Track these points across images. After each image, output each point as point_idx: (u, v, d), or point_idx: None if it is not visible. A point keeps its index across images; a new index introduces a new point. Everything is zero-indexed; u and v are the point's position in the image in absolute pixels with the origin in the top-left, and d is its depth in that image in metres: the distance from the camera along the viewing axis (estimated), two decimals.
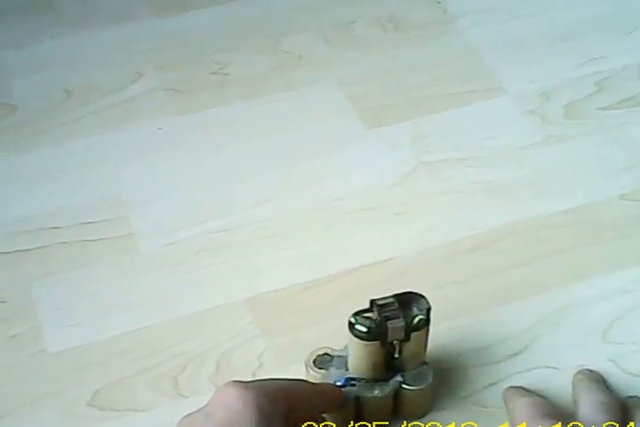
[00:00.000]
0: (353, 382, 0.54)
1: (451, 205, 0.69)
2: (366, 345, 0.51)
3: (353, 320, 0.51)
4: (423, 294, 0.52)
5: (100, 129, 0.74)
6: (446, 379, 0.59)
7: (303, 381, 0.53)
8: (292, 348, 0.61)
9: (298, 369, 0.57)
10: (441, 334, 0.58)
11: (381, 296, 0.52)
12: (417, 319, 0.51)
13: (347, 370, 0.54)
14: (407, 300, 0.52)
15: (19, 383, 0.60)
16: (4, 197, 0.70)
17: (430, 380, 0.54)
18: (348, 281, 0.64)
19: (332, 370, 0.54)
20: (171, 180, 0.71)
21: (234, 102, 0.76)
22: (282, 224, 0.68)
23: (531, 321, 0.62)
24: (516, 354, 0.60)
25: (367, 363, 0.53)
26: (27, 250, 0.67)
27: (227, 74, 0.78)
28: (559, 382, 0.58)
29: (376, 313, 0.51)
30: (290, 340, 0.62)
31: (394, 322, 0.51)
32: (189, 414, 0.47)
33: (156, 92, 0.77)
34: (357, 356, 0.53)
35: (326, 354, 0.55)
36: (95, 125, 0.75)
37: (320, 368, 0.55)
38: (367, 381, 0.54)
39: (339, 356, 0.55)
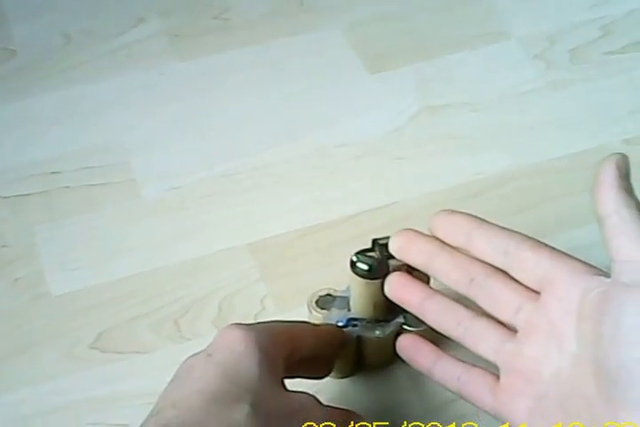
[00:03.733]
0: (354, 322, 0.54)
1: (454, 150, 0.68)
2: (367, 284, 0.51)
3: (355, 259, 0.51)
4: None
5: (101, 74, 0.74)
6: None
7: (305, 322, 0.53)
8: (294, 292, 0.61)
9: (300, 313, 0.57)
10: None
11: (384, 236, 0.51)
12: None
13: (348, 311, 0.54)
14: None
15: (21, 326, 0.60)
16: (6, 142, 0.70)
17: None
18: (351, 226, 0.64)
19: (334, 310, 0.54)
20: (173, 125, 0.71)
21: (235, 48, 0.75)
22: (284, 170, 0.68)
23: None
24: None
25: (368, 303, 0.53)
26: (29, 194, 0.67)
27: (228, 19, 0.77)
28: None
29: (378, 252, 0.51)
30: (292, 284, 0.62)
31: (395, 260, 0.50)
32: (191, 356, 0.47)
33: (157, 38, 0.76)
34: (359, 295, 0.53)
35: (328, 295, 0.55)
36: (96, 71, 0.74)
37: (322, 308, 0.55)
38: (368, 321, 0.54)
39: (341, 296, 0.55)
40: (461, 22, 0.76)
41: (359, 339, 0.54)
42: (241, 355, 0.45)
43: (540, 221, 0.64)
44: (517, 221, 0.63)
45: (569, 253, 0.60)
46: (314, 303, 0.55)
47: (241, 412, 0.43)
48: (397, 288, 0.51)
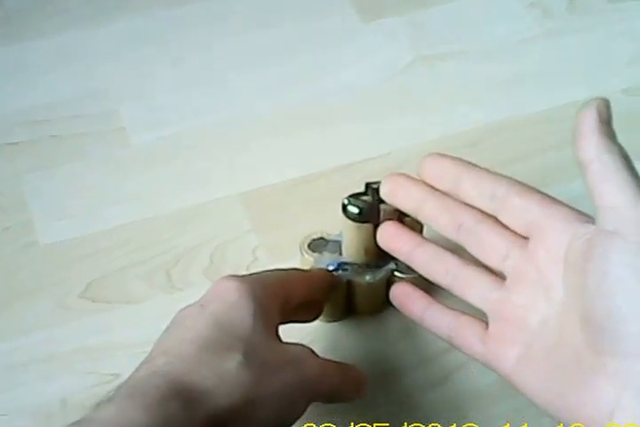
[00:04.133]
0: (345, 266, 0.54)
1: (449, 99, 0.67)
2: (358, 227, 0.51)
3: (346, 202, 0.50)
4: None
5: (91, 21, 0.72)
6: None
7: (296, 269, 0.52)
8: (286, 242, 0.60)
9: (292, 264, 0.57)
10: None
11: (377, 180, 0.51)
12: None
13: (340, 255, 0.54)
14: None
15: (10, 276, 0.60)
16: None
17: None
18: (344, 176, 0.64)
19: (326, 254, 0.54)
20: (162, 73, 0.70)
21: None
22: (276, 120, 0.67)
23: None
24: None
25: (359, 247, 0.52)
26: (17, 143, 0.66)
27: None
28: None
29: (370, 196, 0.50)
30: (284, 234, 0.61)
31: (386, 204, 0.50)
32: (185, 307, 0.46)
33: None
34: (350, 239, 0.52)
35: (321, 238, 0.55)
36: (86, 18, 0.73)
37: (314, 252, 0.54)
38: (359, 266, 0.54)
39: (334, 241, 0.54)
40: None
41: (350, 283, 0.54)
42: (234, 305, 0.45)
43: (533, 172, 0.63)
44: (510, 171, 0.62)
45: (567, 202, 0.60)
46: (306, 246, 0.55)
47: (233, 361, 0.42)
48: (387, 237, 0.51)
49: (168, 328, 0.45)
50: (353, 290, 0.55)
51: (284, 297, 0.48)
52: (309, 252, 0.55)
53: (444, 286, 0.49)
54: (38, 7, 0.73)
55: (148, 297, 0.59)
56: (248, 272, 0.49)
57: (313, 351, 0.47)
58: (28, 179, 0.64)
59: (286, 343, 0.46)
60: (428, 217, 0.48)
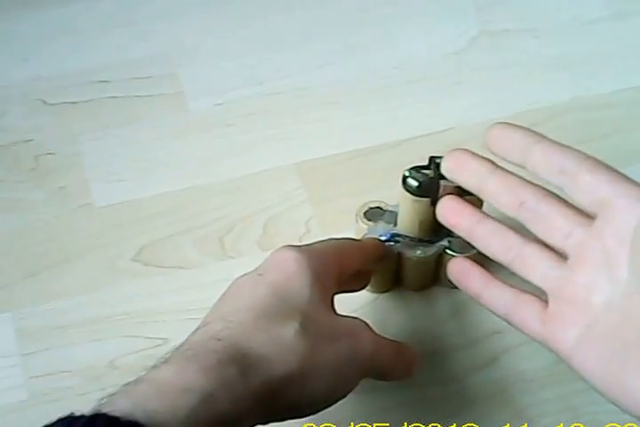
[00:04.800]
0: (397, 238, 0.53)
1: (512, 78, 0.66)
2: (415, 201, 0.50)
3: (406, 173, 0.49)
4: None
5: None
6: None
7: (350, 239, 0.52)
8: (340, 215, 0.60)
9: (345, 235, 0.56)
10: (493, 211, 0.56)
11: (442, 155, 0.50)
12: None
13: (394, 226, 0.53)
14: None
15: (64, 236, 0.60)
16: (54, 49, 0.68)
17: (476, 249, 0.53)
18: (402, 151, 0.63)
19: (381, 224, 0.54)
20: (225, 39, 0.69)
21: None
22: (336, 91, 0.66)
23: None
24: None
25: (414, 220, 0.52)
26: (75, 102, 0.65)
27: None
28: None
29: (432, 170, 0.49)
30: (338, 207, 0.61)
31: (447, 181, 0.49)
32: (242, 276, 0.46)
33: None
34: (406, 212, 0.52)
35: (378, 208, 0.54)
36: None
37: (369, 220, 0.54)
38: (412, 239, 0.53)
39: (390, 211, 0.54)
40: None
41: (400, 256, 0.54)
42: (293, 275, 0.45)
43: (598, 154, 0.62)
44: None
45: None
46: (362, 214, 0.54)
47: (290, 329, 0.42)
48: (448, 211, 0.50)
49: (224, 295, 0.45)
50: (402, 263, 0.55)
51: (340, 268, 0.48)
52: (364, 220, 0.54)
53: (504, 264, 0.48)
54: None
55: (200, 264, 0.59)
56: (301, 243, 0.48)
57: (368, 325, 0.47)
58: (83, 139, 0.64)
59: (342, 316, 0.46)
60: (490, 194, 0.47)
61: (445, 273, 0.54)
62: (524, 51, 0.67)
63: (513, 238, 0.48)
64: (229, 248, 0.59)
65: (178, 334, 0.44)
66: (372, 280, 0.55)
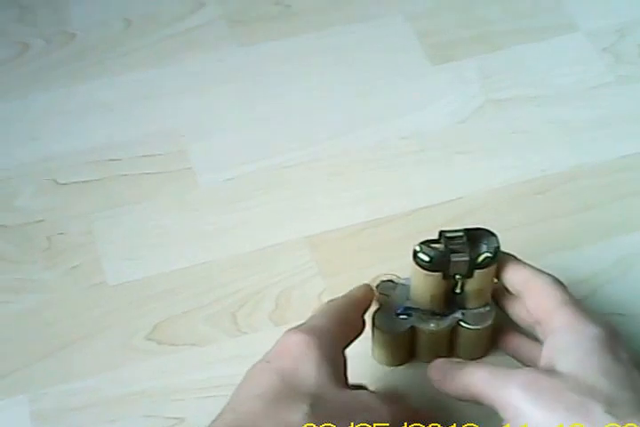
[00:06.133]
0: (410, 311, 0.53)
1: (519, 145, 0.67)
2: (427, 275, 0.50)
3: (417, 248, 0.50)
4: (495, 232, 0.51)
5: (160, 60, 0.73)
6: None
7: (343, 297, 0.53)
8: (352, 287, 0.60)
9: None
10: None
11: (452, 229, 0.50)
12: (482, 257, 0.50)
13: (408, 299, 0.53)
14: (478, 236, 0.50)
15: (78, 315, 0.60)
16: (63, 128, 0.69)
17: (490, 322, 0.53)
18: (411, 221, 0.63)
19: (393, 297, 0.54)
20: (231, 114, 0.70)
21: (296, 35, 0.74)
22: (345, 162, 0.67)
23: (598, 266, 0.60)
24: (582, 300, 0.58)
25: (426, 294, 0.52)
26: (86, 181, 0.66)
27: (289, 5, 0.76)
28: (627, 329, 0.57)
29: (442, 244, 0.50)
30: (350, 279, 0.60)
31: (458, 256, 0.49)
32: (255, 364, 0.47)
33: (217, 23, 0.75)
34: (418, 285, 0.52)
35: (390, 281, 0.55)
36: (155, 56, 0.73)
37: (381, 293, 0.54)
38: (424, 313, 0.53)
39: (402, 284, 0.54)
40: (528, 13, 0.74)
41: (413, 329, 0.54)
42: (299, 359, 0.45)
43: (608, 220, 0.62)
44: (583, 219, 0.63)
45: (636, 253, 0.59)
46: (375, 287, 0.54)
47: (299, 413, 0.43)
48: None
49: (239, 385, 0.46)
50: (416, 336, 0.55)
51: (346, 336, 0.49)
52: (377, 294, 0.54)
53: None
54: (108, 46, 0.74)
55: (213, 340, 0.59)
56: None
57: (380, 398, 0.47)
58: (95, 218, 0.64)
59: (354, 389, 0.47)
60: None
61: (461, 346, 0.55)
62: (529, 118, 0.68)
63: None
64: (242, 324, 0.59)
65: (193, 412, 0.44)
66: (387, 353, 0.55)
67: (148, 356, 0.58)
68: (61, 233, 0.64)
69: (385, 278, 0.55)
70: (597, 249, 0.61)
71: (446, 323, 0.53)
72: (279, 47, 0.73)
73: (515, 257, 0.51)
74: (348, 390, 0.46)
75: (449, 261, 0.50)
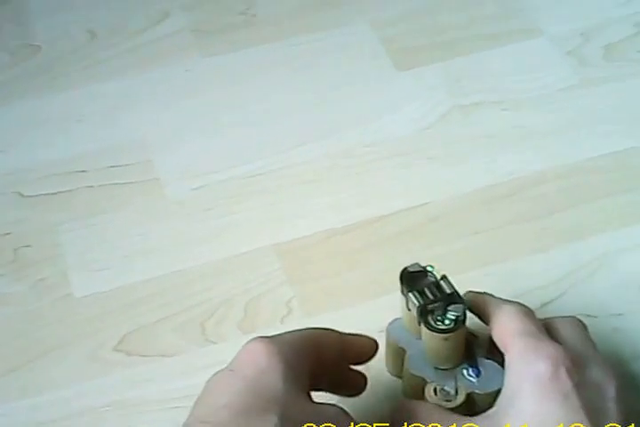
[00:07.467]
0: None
1: (485, 150, 0.67)
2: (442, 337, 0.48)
3: (439, 317, 0.47)
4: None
5: (126, 71, 0.73)
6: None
7: (330, 330, 0.51)
8: (321, 295, 0.60)
9: (326, 317, 0.57)
10: (475, 281, 0.56)
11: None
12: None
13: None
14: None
15: (45, 328, 0.60)
16: (29, 140, 0.69)
17: None
18: (379, 228, 0.63)
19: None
20: (198, 123, 0.70)
21: (261, 43, 0.74)
22: (311, 170, 0.67)
23: (566, 269, 0.60)
24: (550, 302, 0.59)
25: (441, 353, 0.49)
26: (52, 193, 0.66)
27: (254, 15, 0.76)
28: (595, 331, 0.57)
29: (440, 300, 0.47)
30: (318, 287, 0.60)
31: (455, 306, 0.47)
32: (216, 373, 0.46)
33: (182, 34, 0.75)
34: (431, 347, 0.49)
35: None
36: (120, 68, 0.73)
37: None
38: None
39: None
40: (492, 19, 0.75)
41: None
42: (264, 368, 0.44)
43: (576, 222, 0.62)
44: (551, 222, 0.63)
45: (608, 254, 0.59)
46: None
47: (269, 423, 0.42)
48: None
49: (201, 395, 0.45)
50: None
51: (316, 357, 0.47)
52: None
53: None
54: (73, 58, 0.74)
55: (182, 351, 0.58)
56: (283, 325, 0.48)
57: (346, 412, 0.46)
58: (62, 230, 0.64)
59: (320, 403, 0.46)
60: None
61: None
62: (495, 122, 0.68)
63: None
64: (210, 333, 0.59)
65: (164, 424, 0.43)
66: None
67: (117, 367, 0.58)
68: (27, 246, 0.63)
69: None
70: (565, 252, 0.61)
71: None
72: (245, 56, 0.73)
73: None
74: (314, 404, 0.45)
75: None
